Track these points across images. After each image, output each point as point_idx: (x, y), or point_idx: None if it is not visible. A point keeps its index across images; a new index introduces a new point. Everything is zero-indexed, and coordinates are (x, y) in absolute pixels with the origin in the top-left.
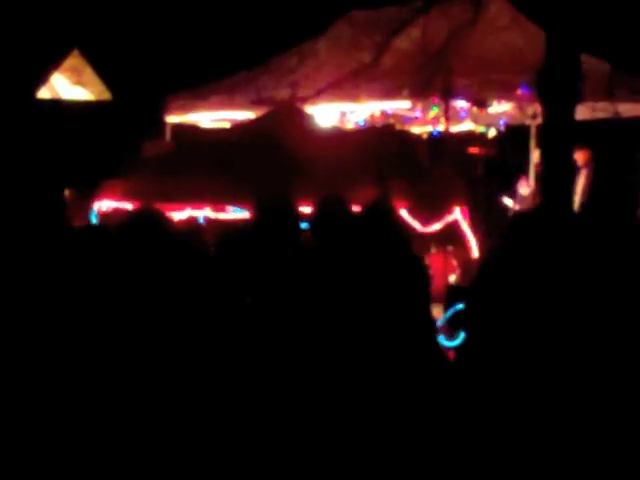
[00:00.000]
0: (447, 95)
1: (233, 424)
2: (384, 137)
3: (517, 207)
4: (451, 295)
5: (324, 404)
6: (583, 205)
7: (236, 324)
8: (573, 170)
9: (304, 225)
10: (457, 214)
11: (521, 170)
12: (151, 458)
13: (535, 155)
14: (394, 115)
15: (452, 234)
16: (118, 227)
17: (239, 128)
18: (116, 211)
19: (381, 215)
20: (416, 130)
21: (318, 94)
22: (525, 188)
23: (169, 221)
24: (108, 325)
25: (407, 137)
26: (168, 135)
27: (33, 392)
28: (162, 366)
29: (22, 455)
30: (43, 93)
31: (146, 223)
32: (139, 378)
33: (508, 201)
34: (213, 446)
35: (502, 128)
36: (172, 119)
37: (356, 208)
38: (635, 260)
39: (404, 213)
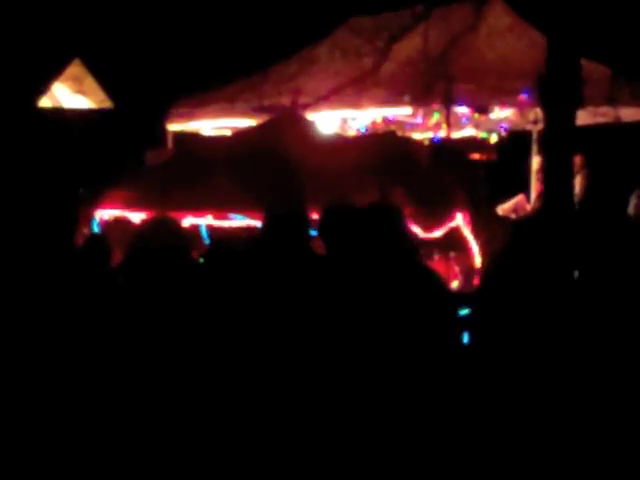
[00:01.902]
0: (448, 101)
1: (234, 425)
2: (386, 144)
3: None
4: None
5: (332, 409)
6: (581, 209)
7: (245, 330)
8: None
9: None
10: (459, 220)
11: (522, 178)
12: (151, 458)
13: (536, 160)
14: (395, 121)
15: (454, 240)
16: (136, 235)
17: (240, 136)
18: (118, 220)
19: (388, 219)
20: (417, 136)
21: (319, 101)
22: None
23: (184, 230)
24: (116, 331)
25: (408, 143)
26: (170, 143)
27: (34, 393)
28: (167, 369)
29: (22, 455)
30: (44, 102)
31: (163, 232)
32: (142, 379)
33: (506, 207)
34: (213, 446)
35: (503, 134)
36: (173, 127)
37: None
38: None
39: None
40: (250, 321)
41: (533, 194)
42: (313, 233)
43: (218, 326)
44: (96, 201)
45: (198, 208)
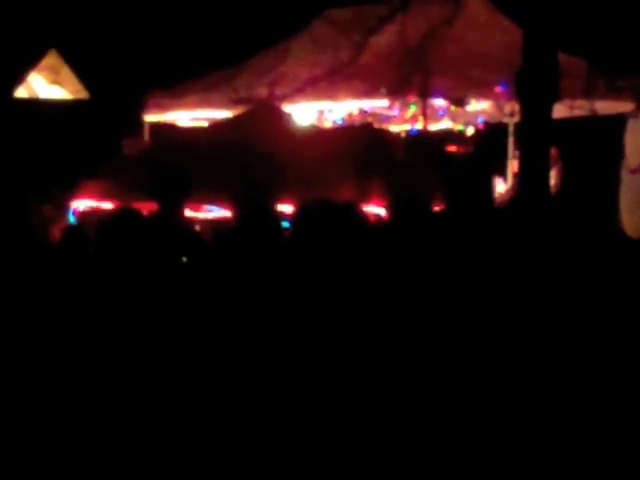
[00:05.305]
0: (425, 93)
1: (231, 423)
2: (362, 136)
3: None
4: None
5: (314, 403)
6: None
7: (221, 321)
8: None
9: (285, 224)
10: None
11: (497, 168)
12: (150, 457)
13: (513, 153)
14: (372, 113)
15: None
16: (97, 227)
17: (217, 127)
18: (94, 210)
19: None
20: (394, 128)
21: (296, 93)
22: (501, 185)
23: (148, 221)
24: (96, 326)
25: (385, 135)
26: (146, 134)
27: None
28: (150, 367)
29: (22, 455)
30: (20, 92)
31: (125, 223)
32: (128, 379)
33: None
34: (213, 446)
35: (480, 126)
36: (150, 118)
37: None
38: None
39: (383, 211)
40: (225, 309)
41: (509, 184)
42: (286, 225)
43: (193, 317)
44: (72, 192)
45: None
